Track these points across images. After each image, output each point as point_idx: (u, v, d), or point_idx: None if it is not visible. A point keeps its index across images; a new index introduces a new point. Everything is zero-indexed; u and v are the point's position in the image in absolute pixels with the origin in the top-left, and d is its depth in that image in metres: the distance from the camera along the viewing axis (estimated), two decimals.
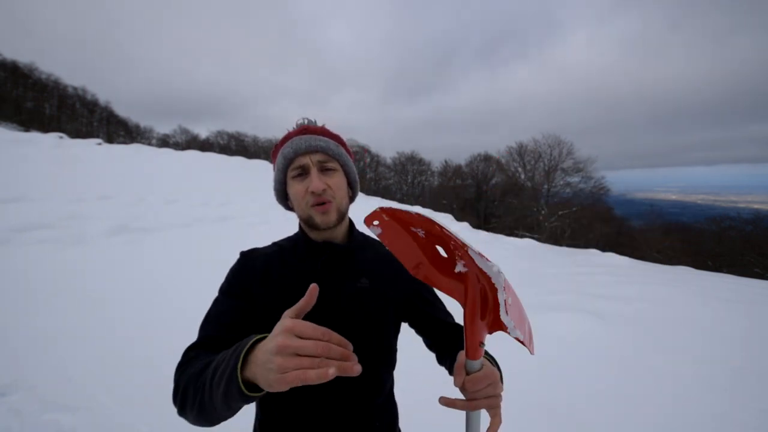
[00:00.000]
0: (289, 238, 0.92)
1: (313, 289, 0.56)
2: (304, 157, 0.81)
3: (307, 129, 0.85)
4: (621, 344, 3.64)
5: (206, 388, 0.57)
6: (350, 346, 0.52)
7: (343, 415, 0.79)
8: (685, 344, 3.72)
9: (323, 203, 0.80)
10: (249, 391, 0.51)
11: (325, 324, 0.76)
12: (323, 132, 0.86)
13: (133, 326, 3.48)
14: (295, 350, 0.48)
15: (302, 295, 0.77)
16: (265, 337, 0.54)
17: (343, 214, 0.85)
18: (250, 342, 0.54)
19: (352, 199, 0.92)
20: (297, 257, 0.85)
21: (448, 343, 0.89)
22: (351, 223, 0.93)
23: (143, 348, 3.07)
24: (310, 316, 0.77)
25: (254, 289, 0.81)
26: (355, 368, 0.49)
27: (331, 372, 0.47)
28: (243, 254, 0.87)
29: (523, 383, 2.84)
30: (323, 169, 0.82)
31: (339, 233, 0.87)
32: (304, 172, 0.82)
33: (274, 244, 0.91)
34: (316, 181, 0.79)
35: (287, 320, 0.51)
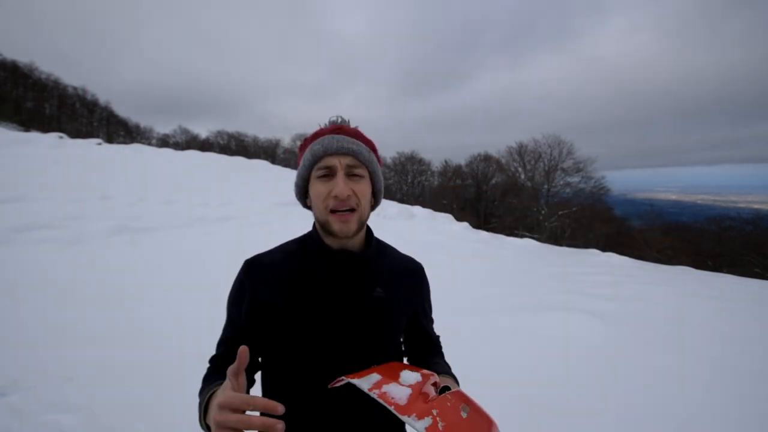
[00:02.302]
0: (296, 241, 0.88)
1: (243, 351, 0.56)
2: (333, 158, 0.77)
3: (341, 129, 0.81)
4: (621, 344, 3.64)
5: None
6: (279, 408, 0.54)
7: (351, 418, 0.80)
8: (685, 344, 3.72)
9: (344, 210, 0.77)
10: None
11: (339, 333, 0.78)
12: (357, 134, 0.82)
13: (133, 326, 3.48)
14: (226, 425, 0.53)
15: (318, 301, 0.78)
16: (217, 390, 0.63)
17: (363, 224, 0.81)
18: (207, 396, 0.65)
19: (373, 207, 0.88)
20: (310, 262, 0.82)
21: (424, 355, 0.96)
22: (368, 230, 0.90)
23: (143, 348, 3.07)
24: (326, 326, 0.78)
25: (263, 297, 0.78)
26: (278, 428, 0.52)
27: None
28: (248, 262, 0.83)
29: (522, 383, 2.84)
30: (350, 174, 0.78)
31: (356, 241, 0.84)
32: (330, 174, 0.78)
33: (281, 249, 0.87)
34: (341, 185, 0.75)
35: (221, 396, 0.55)
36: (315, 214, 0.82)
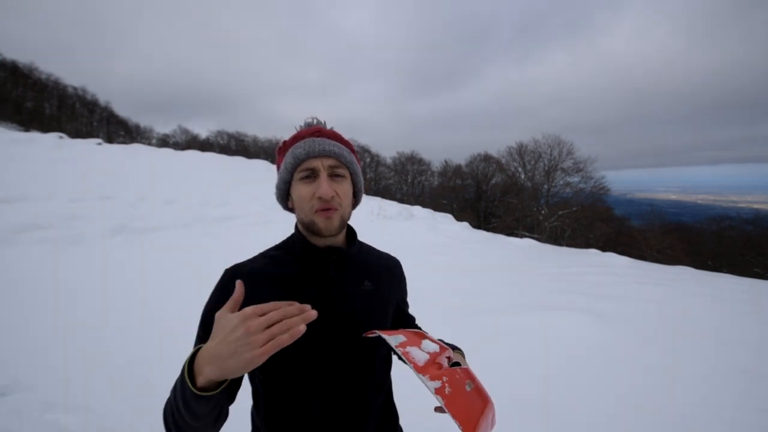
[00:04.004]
0: (276, 248, 0.88)
1: (239, 285, 0.61)
2: (315, 160, 0.79)
3: (320, 131, 0.83)
4: (621, 344, 3.64)
5: (175, 408, 0.62)
6: (306, 307, 0.56)
7: (347, 413, 0.80)
8: (685, 344, 3.72)
9: (328, 209, 0.78)
10: (203, 392, 0.57)
11: (334, 326, 0.79)
12: (336, 137, 0.85)
13: (133, 326, 3.49)
14: (261, 326, 0.53)
15: (312, 298, 0.78)
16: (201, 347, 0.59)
17: (345, 222, 0.84)
18: (194, 350, 0.60)
19: (354, 205, 0.90)
20: (298, 263, 0.83)
21: None
22: (351, 230, 0.93)
23: (143, 348, 3.08)
24: (324, 322, 0.77)
25: (253, 302, 0.75)
26: (312, 313, 0.55)
27: (302, 328, 0.53)
28: (230, 270, 0.82)
29: (522, 383, 2.84)
30: (333, 175, 0.81)
31: (339, 239, 0.87)
32: (312, 176, 0.80)
33: (262, 255, 0.87)
34: (325, 186, 0.77)
35: (240, 312, 0.56)
36: (299, 216, 0.82)
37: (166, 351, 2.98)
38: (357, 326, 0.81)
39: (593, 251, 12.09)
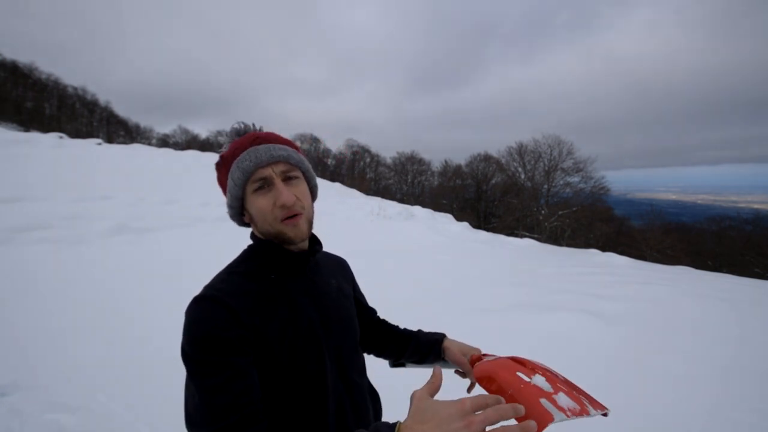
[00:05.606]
0: (242, 261, 0.82)
1: (438, 371, 0.59)
2: (266, 169, 0.75)
3: (258, 137, 0.79)
4: (621, 344, 3.64)
5: None
6: (521, 409, 0.51)
7: (351, 398, 0.82)
8: (685, 344, 3.72)
9: (293, 216, 0.76)
10: None
11: (329, 325, 0.81)
12: (278, 139, 0.81)
13: (133, 326, 3.49)
14: (482, 426, 0.49)
15: (305, 306, 0.79)
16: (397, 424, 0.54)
17: (311, 223, 0.82)
18: (395, 425, 0.54)
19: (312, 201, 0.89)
20: (276, 273, 0.79)
21: (378, 323, 1.07)
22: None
23: (143, 348, 3.07)
24: (324, 325, 0.80)
25: (257, 322, 0.70)
26: (532, 428, 0.49)
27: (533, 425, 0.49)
28: (212, 292, 0.71)
29: None
30: (287, 179, 0.77)
31: (306, 241, 0.85)
32: (266, 185, 0.76)
33: (233, 273, 0.78)
34: (285, 193, 0.74)
35: (459, 403, 0.51)
36: (263, 228, 0.78)
37: (165, 351, 2.98)
38: (342, 319, 0.86)
39: (593, 251, 12.10)
